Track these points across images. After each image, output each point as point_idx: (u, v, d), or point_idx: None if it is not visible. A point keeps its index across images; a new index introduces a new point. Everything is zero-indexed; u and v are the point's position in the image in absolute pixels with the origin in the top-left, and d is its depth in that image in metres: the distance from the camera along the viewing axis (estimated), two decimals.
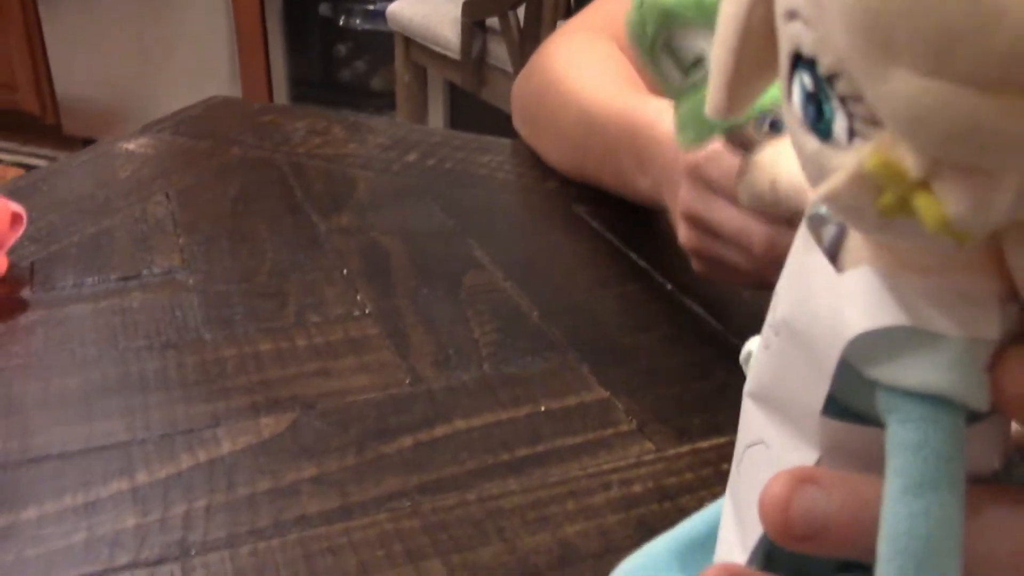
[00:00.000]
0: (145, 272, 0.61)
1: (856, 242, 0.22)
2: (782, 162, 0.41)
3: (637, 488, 0.43)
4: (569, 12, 1.81)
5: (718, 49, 0.21)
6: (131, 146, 0.79)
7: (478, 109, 2.15)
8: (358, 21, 2.70)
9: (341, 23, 2.71)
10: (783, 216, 0.44)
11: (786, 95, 0.20)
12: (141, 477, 0.44)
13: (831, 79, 0.18)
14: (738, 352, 0.53)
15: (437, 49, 2.07)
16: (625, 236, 0.66)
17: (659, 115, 0.60)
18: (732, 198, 0.48)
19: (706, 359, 0.53)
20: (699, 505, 0.42)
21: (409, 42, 2.19)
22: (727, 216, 0.49)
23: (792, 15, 0.18)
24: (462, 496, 0.43)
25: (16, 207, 0.59)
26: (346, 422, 0.47)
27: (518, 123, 0.82)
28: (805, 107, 0.19)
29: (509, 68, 1.87)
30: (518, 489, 0.43)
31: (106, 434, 0.46)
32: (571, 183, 0.74)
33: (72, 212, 0.68)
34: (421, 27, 2.09)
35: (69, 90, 2.90)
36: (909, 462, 0.20)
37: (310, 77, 2.77)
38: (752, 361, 0.27)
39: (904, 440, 0.20)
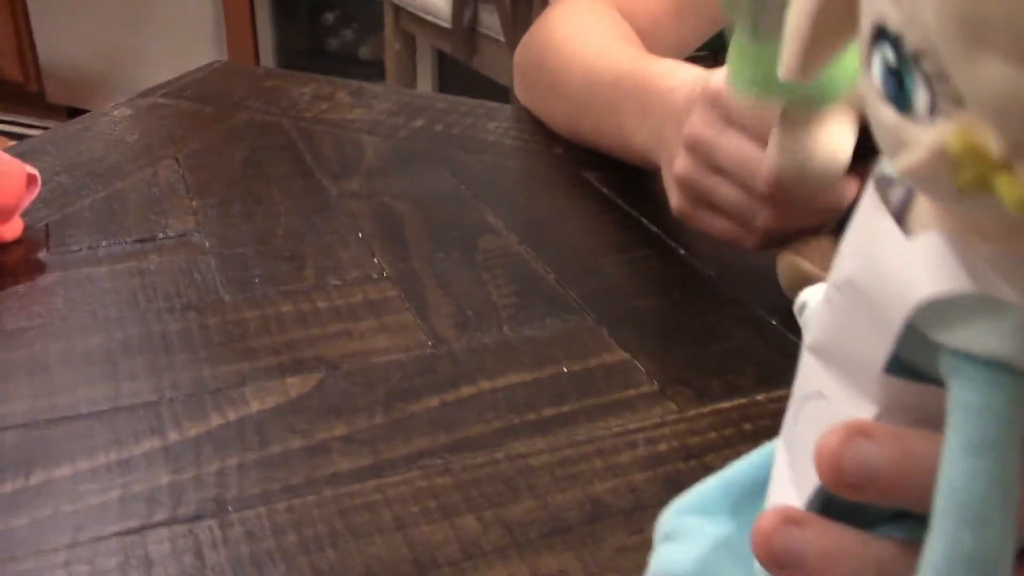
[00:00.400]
0: (160, 235, 0.61)
1: (924, 205, 0.22)
2: (824, 133, 0.41)
3: (663, 447, 0.44)
4: None
5: (795, 14, 0.22)
6: (136, 110, 0.79)
7: (467, 78, 2.15)
8: None
9: None
10: (808, 186, 0.44)
11: (865, 64, 0.20)
12: (172, 436, 0.44)
13: (916, 57, 0.18)
14: (754, 316, 0.54)
15: (427, 18, 2.06)
16: (635, 202, 0.67)
17: (669, 70, 0.60)
18: (746, 131, 0.49)
19: (721, 322, 0.54)
20: (724, 463, 0.43)
21: (399, 10, 2.18)
22: (737, 146, 0.49)
23: None
24: (491, 454, 0.43)
25: (31, 169, 0.59)
26: (372, 382, 0.48)
27: (520, 89, 0.83)
28: (886, 79, 0.19)
29: (500, 37, 1.86)
30: (546, 448, 0.44)
31: (133, 393, 0.47)
32: (578, 149, 0.74)
33: (82, 175, 0.68)
34: None
35: (52, 57, 2.87)
36: (971, 422, 0.20)
37: (297, 45, 2.75)
38: (808, 313, 0.28)
39: (967, 402, 0.21)
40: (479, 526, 0.40)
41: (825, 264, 0.50)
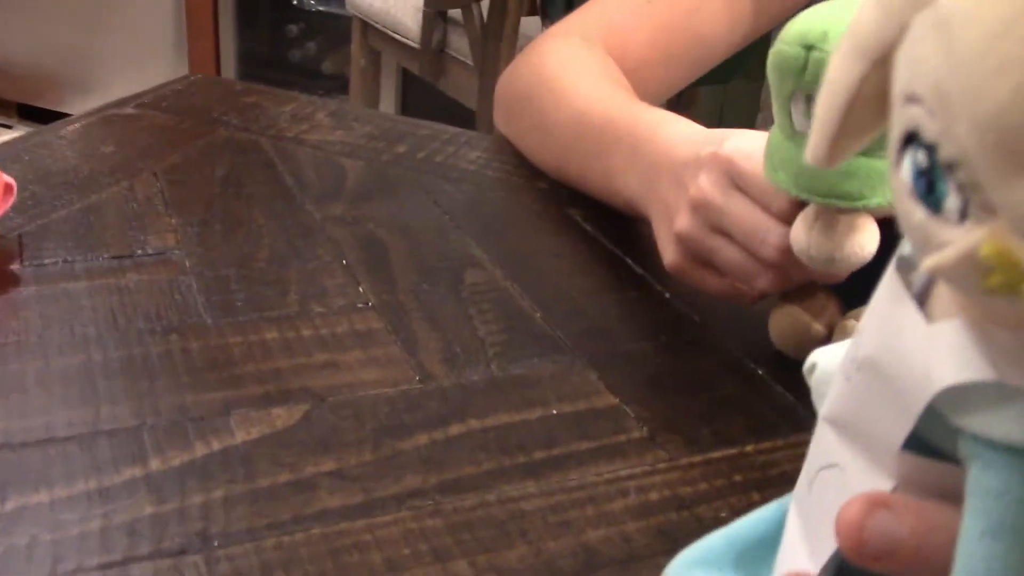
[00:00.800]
0: (139, 251, 0.59)
1: (945, 290, 0.22)
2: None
3: (654, 496, 0.44)
4: (534, 9, 1.81)
5: (824, 106, 0.22)
6: (110, 120, 0.77)
7: (431, 98, 2.15)
8: (313, 1, 2.66)
9: (295, 2, 2.67)
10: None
11: (895, 163, 0.20)
12: (155, 464, 0.43)
13: (950, 166, 0.19)
14: (740, 364, 0.54)
15: (396, 36, 2.05)
16: (619, 241, 0.67)
17: (660, 120, 0.60)
18: (757, 198, 0.49)
19: (710, 369, 0.54)
20: (716, 515, 0.43)
21: (366, 26, 2.17)
22: (747, 212, 0.49)
23: (913, 99, 0.19)
24: (482, 497, 0.43)
25: (7, 178, 0.57)
26: (360, 416, 0.47)
27: (501, 121, 0.82)
28: (916, 180, 0.20)
29: (469, 61, 1.86)
30: (537, 492, 0.43)
31: (113, 418, 0.45)
32: (562, 186, 0.74)
33: (57, 185, 0.66)
34: (381, 12, 2.07)
35: (5, 53, 2.80)
36: (990, 506, 0.21)
37: (259, 55, 2.72)
38: (819, 376, 0.28)
39: (986, 485, 0.21)
40: (472, 571, 0.39)
41: (822, 316, 0.50)
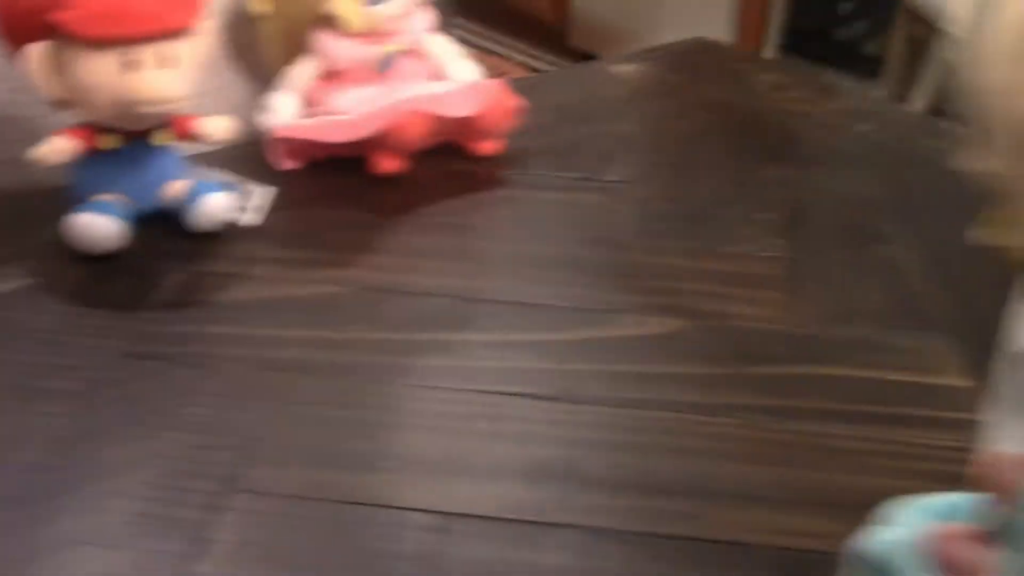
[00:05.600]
0: (605, 178, 0.71)
1: None
2: None
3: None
4: None
5: None
6: (618, 69, 0.91)
7: None
8: None
9: None
10: None
11: None
12: (549, 335, 0.55)
13: None
14: None
15: (946, 28, 1.99)
16: None
17: None
18: None
19: None
20: None
21: (913, 13, 2.12)
22: None
23: None
24: (797, 426, 0.49)
25: (518, 100, 0.72)
26: (721, 341, 0.55)
27: None
28: None
29: None
30: (848, 435, 0.49)
31: (533, 295, 0.58)
32: None
33: (559, 116, 0.81)
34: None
35: (584, 6, 3.13)
36: None
37: (806, 28, 2.77)
38: None
39: None
40: (771, 480, 0.46)
41: None
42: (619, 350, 0.54)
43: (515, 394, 0.51)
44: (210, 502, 0.44)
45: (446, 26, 0.77)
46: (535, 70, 3.06)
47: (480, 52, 3.05)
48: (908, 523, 0.35)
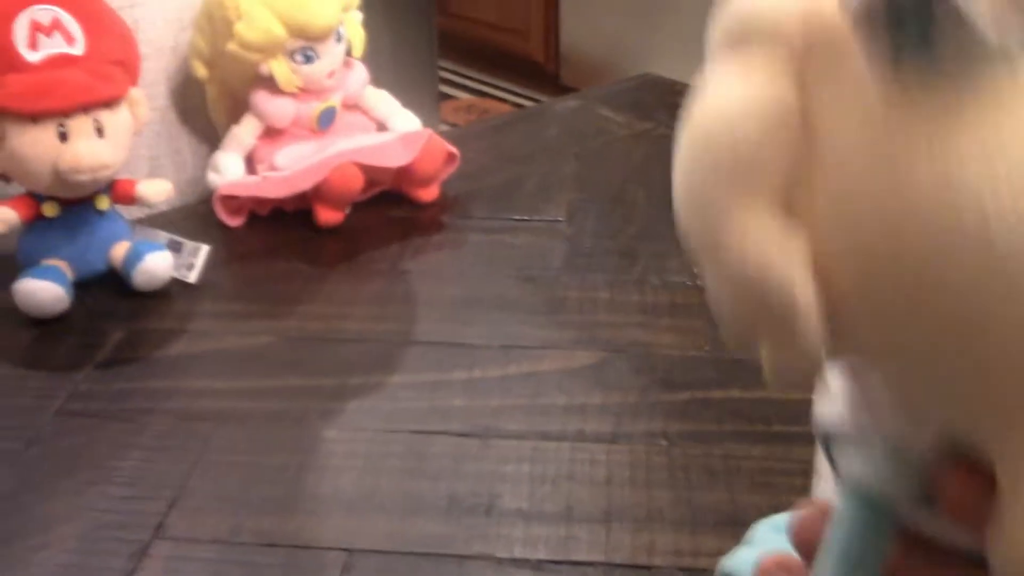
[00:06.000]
0: (536, 218, 0.74)
1: None
2: None
3: None
4: None
5: None
6: (562, 108, 0.93)
7: None
8: None
9: None
10: None
11: None
12: (477, 372, 0.57)
13: None
14: None
15: None
16: None
17: None
18: None
19: None
20: None
21: None
22: None
23: None
24: (709, 449, 0.51)
25: (451, 148, 0.75)
26: (642, 369, 0.57)
27: None
28: None
29: None
30: (758, 456, 0.50)
31: (462, 335, 0.60)
32: None
33: (500, 159, 0.83)
34: None
35: (572, 42, 3.18)
36: (834, 527, 0.24)
37: None
38: None
39: (837, 509, 0.24)
40: (672, 500, 0.48)
41: None
42: (544, 384, 0.56)
43: (437, 432, 0.52)
44: (136, 551, 0.46)
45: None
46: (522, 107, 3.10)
47: (474, 96, 3.09)
48: (761, 541, 0.36)
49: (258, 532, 0.47)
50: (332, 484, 0.49)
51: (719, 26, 0.20)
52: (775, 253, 0.18)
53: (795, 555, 0.30)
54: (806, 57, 0.19)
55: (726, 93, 0.19)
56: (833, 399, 0.24)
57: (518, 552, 0.45)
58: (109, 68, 0.62)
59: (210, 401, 0.55)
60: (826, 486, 0.30)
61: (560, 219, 0.73)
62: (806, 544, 0.27)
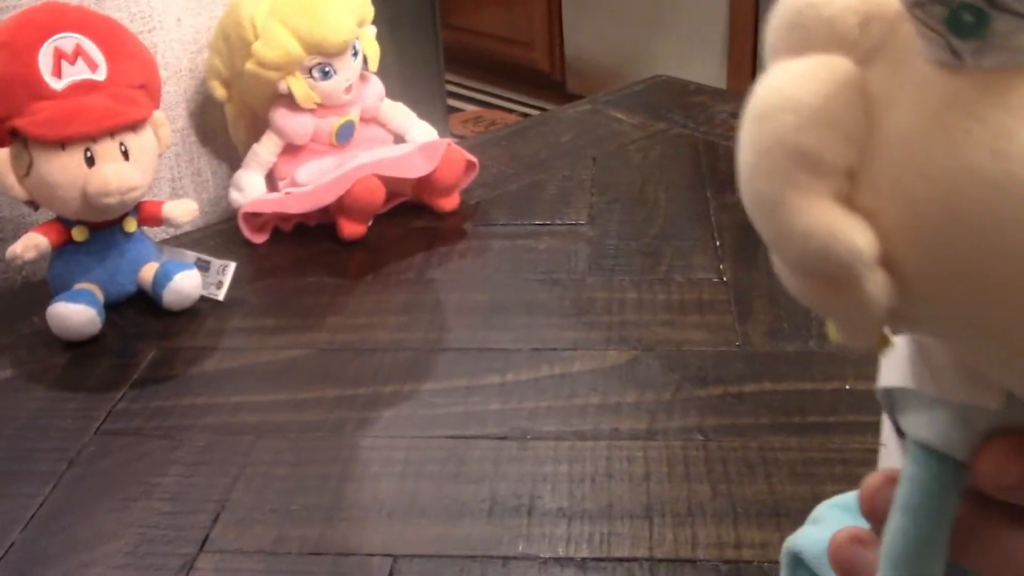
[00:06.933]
0: (558, 222, 0.74)
1: None
2: None
3: None
4: None
5: None
6: (574, 113, 0.94)
7: None
8: None
9: None
10: None
11: None
12: (509, 376, 0.57)
13: None
14: None
15: None
16: None
17: None
18: None
19: None
20: None
21: None
22: None
23: None
24: (746, 442, 0.51)
25: (471, 157, 0.75)
26: (674, 366, 0.57)
27: None
28: None
29: None
30: (795, 447, 0.50)
31: (493, 340, 0.61)
32: None
33: (518, 166, 0.84)
34: None
35: (577, 50, 3.19)
36: (904, 488, 0.24)
37: None
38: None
39: (906, 471, 0.25)
40: (710, 494, 0.48)
41: None
42: (577, 384, 0.56)
43: (474, 436, 0.53)
44: (183, 564, 0.46)
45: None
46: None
47: (481, 107, 3.10)
48: (827, 520, 0.36)
49: (303, 541, 0.47)
50: (373, 491, 0.50)
51: (778, 15, 0.21)
52: (839, 224, 0.19)
53: (866, 529, 0.30)
54: (863, 37, 0.19)
55: (788, 75, 0.20)
56: (897, 362, 0.25)
57: (561, 551, 0.46)
58: (132, 92, 0.62)
59: (248, 415, 0.55)
60: (891, 456, 0.30)
61: (582, 222, 0.74)
62: (876, 512, 0.27)
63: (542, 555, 0.45)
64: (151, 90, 0.65)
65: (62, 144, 0.60)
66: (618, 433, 0.52)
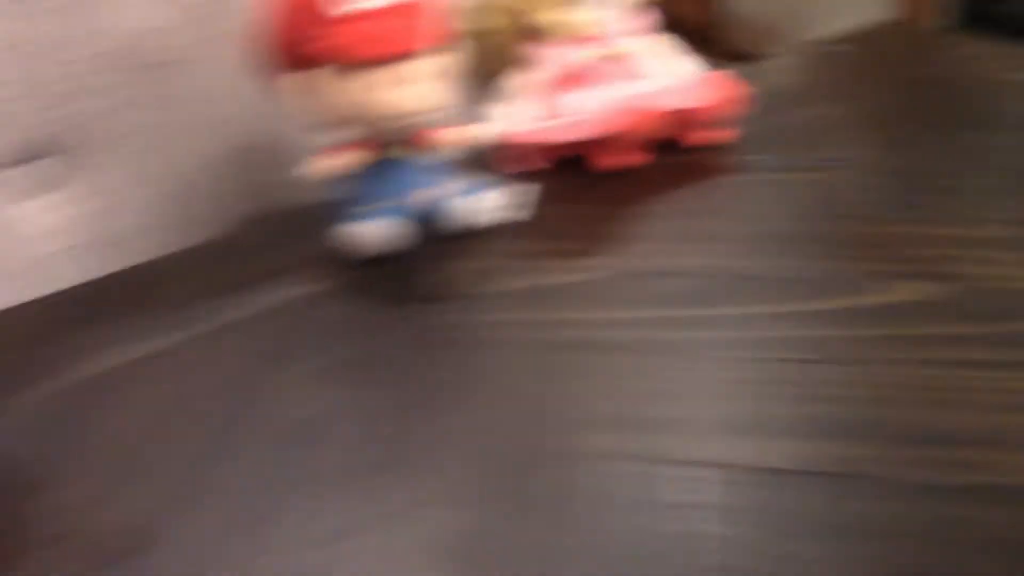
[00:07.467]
0: (823, 157, 0.73)
1: None
2: None
3: None
4: None
5: None
6: (825, 52, 0.92)
7: None
8: None
9: None
10: None
11: None
12: (803, 307, 0.57)
13: None
14: None
15: None
16: None
17: None
18: None
19: None
20: None
21: None
22: None
23: None
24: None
25: (742, 87, 0.74)
26: (972, 302, 0.56)
27: None
28: None
29: None
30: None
31: (780, 269, 0.60)
32: None
33: (779, 102, 0.82)
34: None
35: (732, 5, 3.12)
36: None
37: (973, 6, 2.68)
38: None
39: None
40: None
41: None
42: (873, 317, 0.56)
43: (784, 359, 0.53)
44: (530, 461, 0.47)
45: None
46: None
47: None
48: None
49: (647, 447, 0.48)
50: (702, 406, 0.50)
51: None
52: None
53: None
54: None
55: None
56: None
57: (903, 473, 0.45)
58: (420, 21, 0.64)
59: (564, 331, 0.56)
60: None
61: (844, 159, 0.73)
62: None
63: (882, 474, 0.45)
64: (439, 18, 0.66)
65: (358, 67, 0.61)
66: (930, 363, 0.51)
